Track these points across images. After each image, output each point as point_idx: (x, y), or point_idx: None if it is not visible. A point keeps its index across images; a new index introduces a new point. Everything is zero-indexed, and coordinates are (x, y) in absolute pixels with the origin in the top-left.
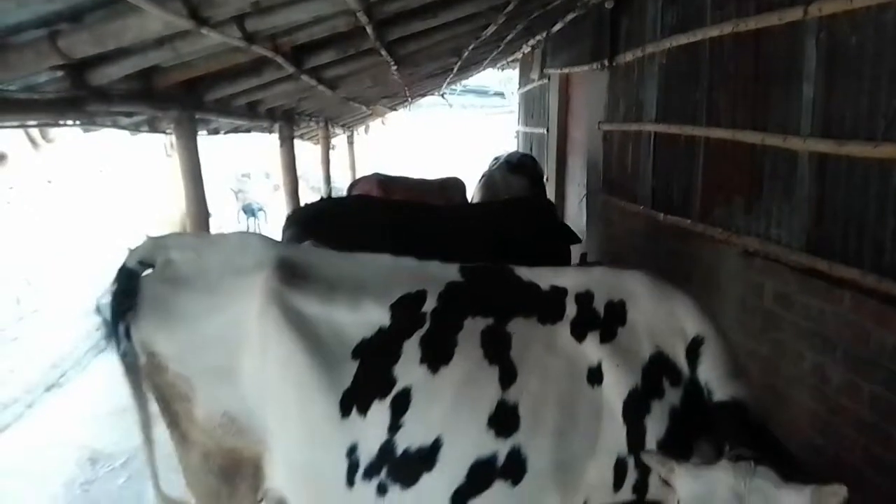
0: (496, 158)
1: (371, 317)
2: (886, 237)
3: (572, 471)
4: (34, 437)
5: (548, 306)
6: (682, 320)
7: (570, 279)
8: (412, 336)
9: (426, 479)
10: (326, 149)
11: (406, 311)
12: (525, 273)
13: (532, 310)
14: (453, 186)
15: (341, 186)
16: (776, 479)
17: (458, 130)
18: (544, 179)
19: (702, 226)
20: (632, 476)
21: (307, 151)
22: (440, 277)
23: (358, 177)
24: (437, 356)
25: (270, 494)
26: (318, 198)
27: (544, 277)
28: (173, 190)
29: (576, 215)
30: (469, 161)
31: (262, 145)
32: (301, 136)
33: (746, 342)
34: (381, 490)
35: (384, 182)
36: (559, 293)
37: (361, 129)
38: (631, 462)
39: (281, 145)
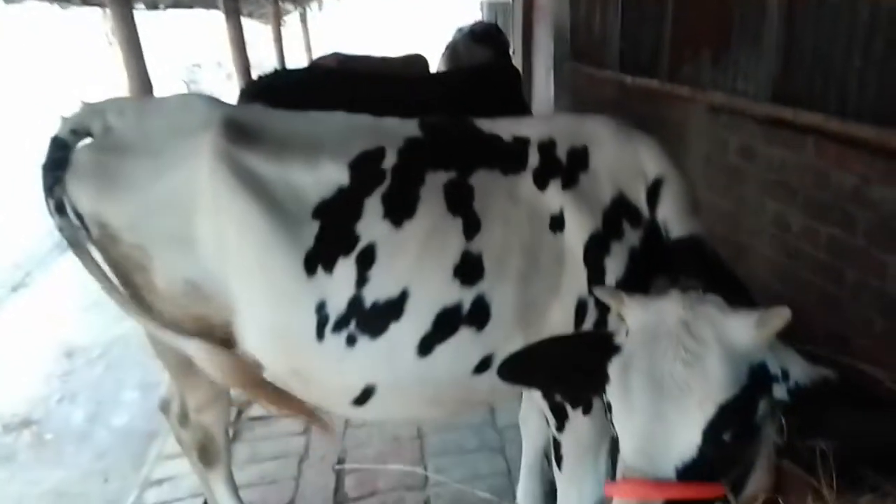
0: (459, 29)
1: (329, 176)
2: (851, 79)
3: (535, 315)
4: (6, 335)
5: (510, 157)
6: (643, 162)
7: (532, 129)
8: (373, 193)
9: (394, 329)
10: (277, 25)
11: (365, 168)
12: (486, 125)
13: (494, 161)
14: (416, 63)
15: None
16: (723, 305)
17: (417, 4)
18: (510, 51)
19: (669, 85)
20: (592, 315)
21: (258, 35)
22: (399, 133)
23: (315, 57)
24: (399, 211)
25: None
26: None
27: (506, 128)
28: (117, 81)
29: (543, 87)
30: (431, 37)
31: (214, 33)
32: (249, 15)
33: (711, 198)
34: (351, 341)
35: (344, 62)
36: (522, 143)
37: (315, 4)
38: (591, 302)
39: (227, 19)
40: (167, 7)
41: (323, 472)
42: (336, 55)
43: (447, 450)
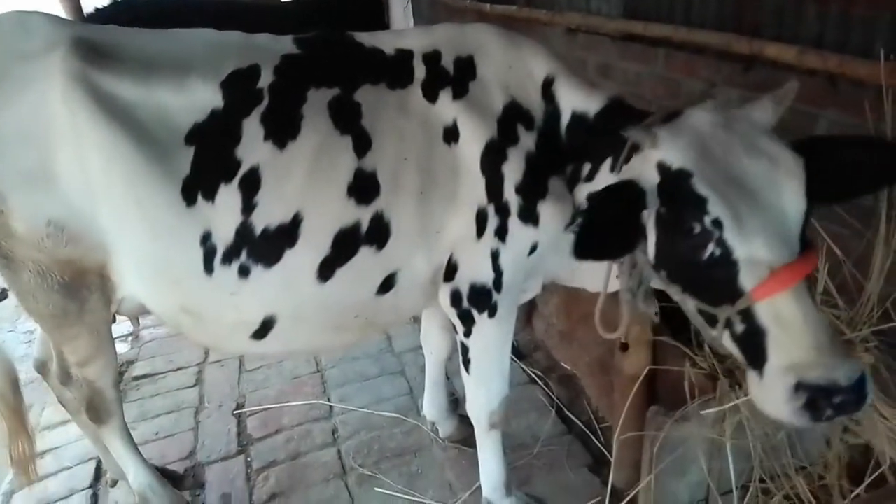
0: None
1: (200, 98)
2: None
3: (435, 228)
4: None
5: (395, 71)
6: (531, 65)
7: (414, 40)
8: (251, 114)
9: (290, 255)
10: None
11: (239, 88)
12: (366, 39)
13: (379, 76)
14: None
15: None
16: (735, 102)
17: None
18: None
19: (527, 10)
20: (493, 222)
21: None
22: (274, 50)
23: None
24: (282, 131)
25: (126, 304)
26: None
27: (387, 42)
28: None
29: (401, 18)
30: None
31: None
32: None
33: None
34: (243, 272)
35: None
36: (405, 56)
37: None
38: (491, 209)
39: None
40: None
41: (222, 418)
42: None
43: (349, 379)
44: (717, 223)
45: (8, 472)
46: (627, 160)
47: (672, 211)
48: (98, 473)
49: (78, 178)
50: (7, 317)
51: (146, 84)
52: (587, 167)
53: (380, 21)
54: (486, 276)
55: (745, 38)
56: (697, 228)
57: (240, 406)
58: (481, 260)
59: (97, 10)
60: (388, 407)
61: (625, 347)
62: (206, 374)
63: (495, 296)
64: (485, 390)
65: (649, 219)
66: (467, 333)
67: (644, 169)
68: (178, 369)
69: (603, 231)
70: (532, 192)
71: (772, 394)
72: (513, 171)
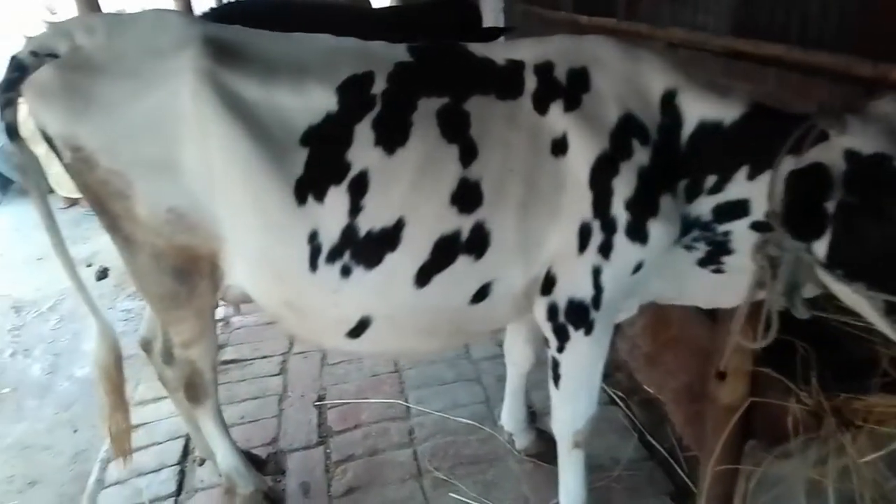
0: None
1: (317, 101)
2: (812, 8)
3: (535, 241)
4: None
5: (506, 81)
6: (649, 78)
7: (527, 51)
8: (363, 119)
9: (390, 258)
10: None
11: (354, 93)
12: (478, 49)
13: (489, 86)
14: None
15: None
16: None
17: None
18: None
19: (627, 23)
20: (597, 238)
21: None
22: (388, 58)
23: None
24: (391, 138)
25: (231, 292)
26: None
27: (499, 52)
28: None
29: None
30: None
31: None
32: None
33: None
34: (345, 272)
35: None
36: (516, 67)
37: None
38: (596, 224)
39: None
40: None
41: (304, 408)
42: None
43: (426, 382)
44: None
45: (105, 441)
46: (795, 150)
47: (868, 198)
48: (186, 451)
49: (200, 170)
50: (106, 294)
51: (267, 85)
52: (711, 179)
53: (476, 32)
54: (585, 293)
55: (868, 60)
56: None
57: (321, 398)
58: (582, 275)
59: (212, 8)
60: (464, 413)
61: (722, 376)
62: (290, 364)
63: (593, 313)
64: (572, 408)
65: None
66: (560, 349)
67: (829, 157)
68: (264, 357)
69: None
70: (642, 208)
71: None
72: (623, 186)
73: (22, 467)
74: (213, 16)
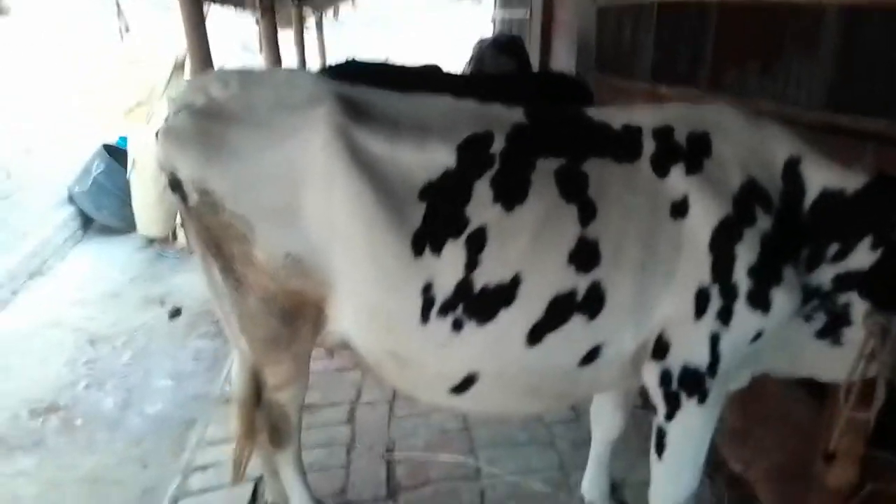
0: (481, 41)
1: (437, 158)
2: None
3: (648, 304)
4: (28, 320)
5: (623, 145)
6: (772, 146)
7: (644, 117)
8: (482, 177)
9: (504, 315)
10: (300, 28)
11: (474, 151)
12: (595, 114)
13: (606, 150)
14: (432, 73)
15: None
16: None
17: (426, 20)
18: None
19: (710, 94)
20: (716, 303)
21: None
22: (506, 119)
23: (331, 63)
24: (510, 195)
25: (330, 338)
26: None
27: (616, 117)
28: (132, 74)
29: None
30: (441, 49)
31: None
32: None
33: None
34: (457, 326)
35: (361, 67)
36: (634, 131)
37: (330, 12)
38: (715, 290)
39: (262, 17)
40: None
41: (372, 460)
42: (352, 61)
43: (497, 442)
44: None
45: (176, 477)
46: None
47: None
48: (255, 495)
49: (321, 219)
50: (178, 334)
51: (392, 141)
52: (834, 247)
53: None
54: (701, 359)
55: None
56: None
57: (389, 450)
58: (698, 341)
59: (330, 66)
60: (538, 478)
61: (830, 457)
62: (357, 413)
63: (708, 381)
64: (675, 481)
65: None
66: (669, 416)
67: None
68: (332, 405)
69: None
70: (766, 275)
71: None
72: (747, 252)
73: (91, 501)
74: (333, 73)
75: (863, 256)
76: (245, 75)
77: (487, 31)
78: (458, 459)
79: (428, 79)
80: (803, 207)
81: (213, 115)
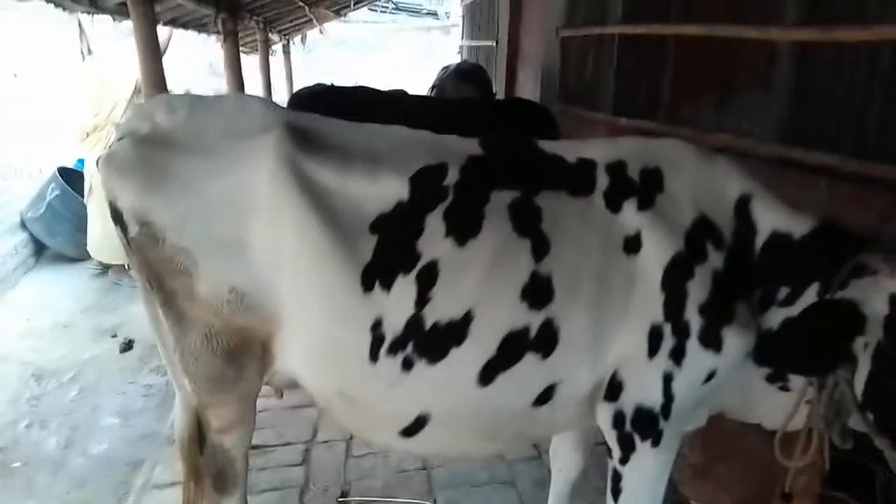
0: (445, 68)
1: (389, 190)
2: (870, 121)
3: (603, 342)
4: None
5: (577, 179)
6: (724, 183)
7: (597, 151)
8: (435, 209)
9: (455, 353)
10: (266, 54)
11: (427, 183)
12: (549, 146)
13: (560, 183)
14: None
15: (281, 100)
16: None
17: (392, 49)
18: (494, 91)
19: (668, 127)
20: (669, 342)
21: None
22: (460, 150)
23: (298, 88)
24: (463, 229)
25: (278, 377)
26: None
27: (570, 151)
28: (90, 97)
29: None
30: (408, 76)
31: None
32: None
33: None
34: (407, 365)
35: (302, 96)
36: (587, 165)
37: (298, 38)
38: (668, 328)
39: (224, 41)
40: (166, 24)
41: None
42: (319, 85)
43: (456, 482)
44: None
45: None
46: (843, 285)
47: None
48: None
49: (268, 252)
50: (129, 368)
51: (343, 172)
52: (784, 291)
53: (556, 130)
54: (654, 400)
55: None
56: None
57: (345, 494)
58: (651, 382)
59: (300, 90)
60: None
61: (787, 498)
62: (313, 454)
63: (662, 423)
64: None
65: (864, 351)
66: (624, 460)
67: (870, 296)
68: (287, 444)
69: (802, 343)
70: (717, 314)
71: None
72: (698, 290)
73: None
74: (304, 96)
75: (810, 303)
76: (193, 101)
77: (454, 59)
78: (416, 502)
79: (396, 102)
80: (755, 247)
81: (156, 143)
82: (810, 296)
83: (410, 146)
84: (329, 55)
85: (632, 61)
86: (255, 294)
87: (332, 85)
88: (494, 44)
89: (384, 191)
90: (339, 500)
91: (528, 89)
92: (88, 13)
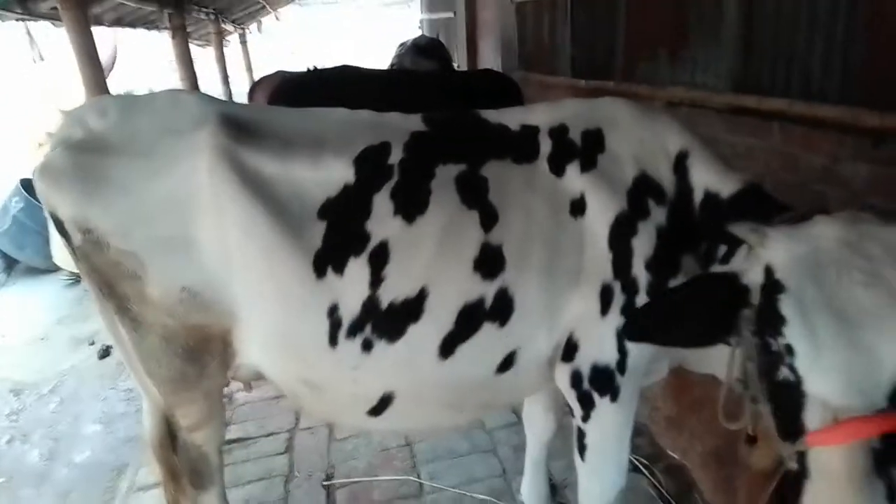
0: (402, 44)
1: (334, 174)
2: (815, 63)
3: (558, 305)
4: None
5: (521, 145)
6: (663, 139)
7: (540, 116)
8: (381, 189)
9: (413, 330)
10: (220, 45)
11: (371, 164)
12: (492, 116)
13: (505, 151)
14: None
15: (241, 91)
16: (881, 219)
17: (353, 27)
18: (455, 65)
19: (626, 85)
20: (619, 300)
21: (197, 58)
22: (403, 128)
23: (259, 77)
24: (411, 206)
25: (242, 371)
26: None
27: (512, 118)
28: (42, 104)
29: None
30: (371, 55)
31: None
32: (189, 36)
33: None
34: (366, 346)
35: (291, 82)
36: (531, 131)
37: (254, 26)
38: (617, 286)
39: (173, 37)
40: (111, 25)
41: (312, 490)
42: (280, 73)
43: (439, 455)
44: (790, 349)
45: None
46: (728, 256)
47: (759, 317)
48: None
49: (215, 247)
50: (109, 374)
51: (284, 160)
52: (723, 249)
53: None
54: (609, 357)
55: (874, 111)
56: (773, 346)
57: (329, 477)
58: (605, 339)
59: (292, 75)
60: (481, 488)
61: (752, 440)
62: (296, 441)
63: (618, 378)
64: (600, 481)
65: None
66: (586, 417)
67: (754, 267)
68: (270, 435)
69: (675, 316)
70: (663, 268)
71: None
72: (643, 246)
73: None
74: (294, 81)
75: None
76: (125, 102)
77: (415, 34)
78: (400, 478)
79: (381, 79)
80: (694, 203)
81: (91, 149)
82: (741, 256)
83: (352, 128)
84: (291, 39)
85: (586, 22)
86: (208, 291)
87: (317, 68)
88: (453, 14)
89: (329, 175)
90: (324, 483)
91: (490, 59)
92: (21, 20)
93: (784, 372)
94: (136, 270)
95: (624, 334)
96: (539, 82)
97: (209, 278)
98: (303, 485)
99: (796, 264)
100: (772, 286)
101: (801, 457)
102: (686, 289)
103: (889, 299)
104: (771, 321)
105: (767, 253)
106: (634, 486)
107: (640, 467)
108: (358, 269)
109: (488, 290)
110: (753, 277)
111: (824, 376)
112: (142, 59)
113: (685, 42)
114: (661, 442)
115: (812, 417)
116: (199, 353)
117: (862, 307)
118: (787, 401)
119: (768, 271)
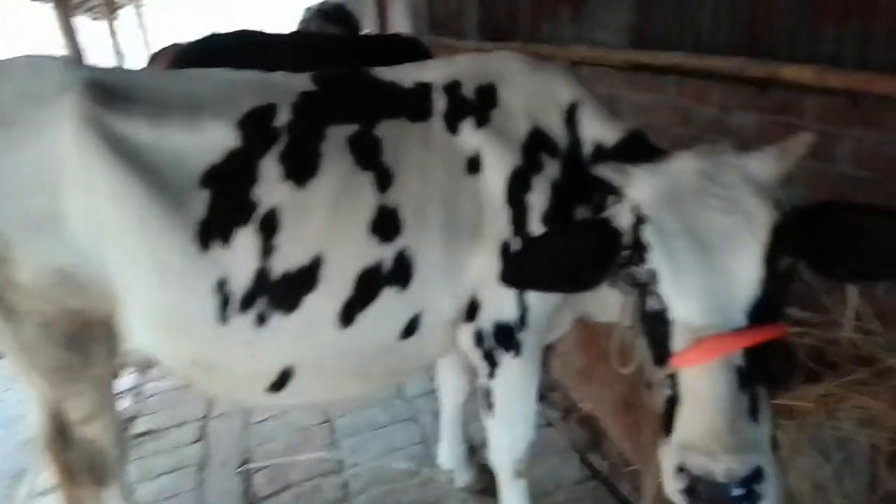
0: (308, 9)
1: (216, 138)
2: (704, 17)
3: (459, 264)
4: None
5: (415, 103)
6: (554, 91)
7: (434, 72)
8: (268, 153)
9: (310, 300)
10: (110, 17)
11: (257, 127)
12: (385, 73)
13: (399, 110)
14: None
15: (137, 62)
16: (737, 151)
17: None
18: (365, 31)
19: (531, 45)
20: None
21: (87, 31)
22: (291, 88)
23: (155, 50)
24: (301, 170)
25: (133, 356)
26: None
27: (405, 75)
28: None
29: None
30: (272, 21)
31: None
32: (77, 8)
33: None
34: (261, 320)
35: (188, 51)
36: (424, 88)
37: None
38: (515, 242)
39: (56, 7)
40: None
41: (227, 477)
42: (176, 45)
43: (359, 429)
44: (653, 275)
45: None
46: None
47: (629, 252)
48: None
49: (88, 224)
50: (4, 376)
51: (159, 125)
52: (612, 199)
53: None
54: (510, 313)
55: (759, 61)
56: (641, 276)
57: (245, 462)
58: (506, 296)
59: (188, 44)
60: (401, 457)
61: (651, 384)
62: (210, 428)
63: (521, 333)
64: (509, 436)
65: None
66: (491, 375)
67: (624, 211)
68: (182, 424)
69: (550, 261)
70: (559, 221)
71: (664, 468)
72: (538, 201)
73: None
74: (192, 50)
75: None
76: None
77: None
78: (318, 456)
79: (289, 44)
80: (585, 153)
81: None
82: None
83: (235, 89)
84: (190, 9)
85: None
86: (83, 272)
87: (214, 35)
88: None
89: (210, 140)
90: (238, 470)
91: (400, 24)
92: None
93: (652, 302)
94: (2, 252)
95: (501, 280)
96: (448, 47)
97: (83, 258)
98: (217, 472)
99: (658, 196)
100: (638, 221)
101: (673, 381)
102: (559, 234)
103: (744, 223)
104: (637, 250)
105: (633, 191)
106: (549, 440)
107: (553, 422)
108: (246, 239)
109: (386, 254)
110: (624, 219)
111: (685, 298)
112: (24, 33)
113: (585, 1)
114: (574, 395)
115: (678, 341)
116: (81, 340)
117: (719, 231)
118: (657, 329)
119: (635, 208)
